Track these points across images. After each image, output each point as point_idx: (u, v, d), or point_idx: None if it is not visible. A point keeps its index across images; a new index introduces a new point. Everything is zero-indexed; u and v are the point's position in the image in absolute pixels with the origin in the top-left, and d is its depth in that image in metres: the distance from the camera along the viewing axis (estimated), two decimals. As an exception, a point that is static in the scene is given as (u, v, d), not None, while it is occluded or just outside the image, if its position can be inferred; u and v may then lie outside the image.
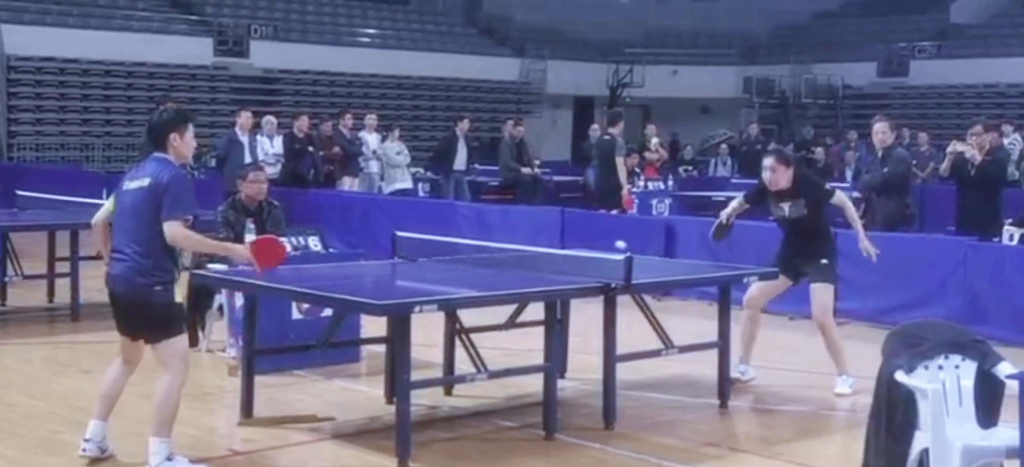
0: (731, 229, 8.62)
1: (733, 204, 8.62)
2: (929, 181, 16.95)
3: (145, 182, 6.18)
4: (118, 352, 6.45)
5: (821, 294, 8.35)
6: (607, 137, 16.08)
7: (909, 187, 12.25)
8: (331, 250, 10.10)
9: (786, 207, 8.39)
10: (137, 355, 6.43)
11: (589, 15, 35.98)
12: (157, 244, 6.11)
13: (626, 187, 15.77)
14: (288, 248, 6.88)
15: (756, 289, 8.44)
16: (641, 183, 18.32)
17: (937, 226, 14.46)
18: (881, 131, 11.45)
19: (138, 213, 6.17)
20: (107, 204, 6.54)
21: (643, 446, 6.92)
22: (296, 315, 8.62)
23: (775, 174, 8.32)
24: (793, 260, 8.38)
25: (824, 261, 8.34)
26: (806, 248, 8.35)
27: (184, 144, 6.32)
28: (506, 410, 7.72)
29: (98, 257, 6.79)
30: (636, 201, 16.46)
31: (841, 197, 8.54)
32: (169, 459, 6.18)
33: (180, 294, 6.26)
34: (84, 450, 6.34)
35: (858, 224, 8.61)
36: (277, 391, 7.90)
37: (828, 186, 8.76)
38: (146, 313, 6.18)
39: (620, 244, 8.10)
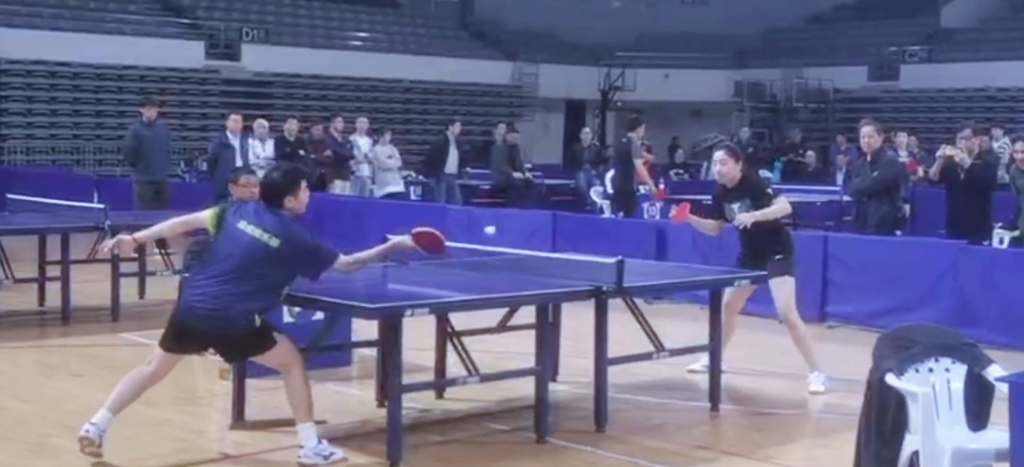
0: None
1: (708, 224, 8.78)
2: (919, 185, 16.98)
3: (274, 243, 6.35)
4: (151, 362, 6.52)
5: (780, 289, 8.46)
6: (625, 140, 16.79)
7: (900, 190, 12.27)
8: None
9: (735, 207, 8.50)
10: (168, 369, 6.58)
11: (581, 19, 36.02)
12: (263, 290, 6.35)
13: (650, 183, 16.56)
14: (444, 240, 7.04)
15: (732, 294, 8.49)
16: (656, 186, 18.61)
17: (928, 229, 14.50)
18: (868, 135, 11.47)
19: (255, 261, 6.33)
20: (207, 216, 6.64)
21: (634, 449, 6.93)
22: (287, 318, 8.60)
23: (724, 166, 8.54)
24: (750, 261, 8.44)
25: (779, 256, 8.43)
26: (760, 247, 8.42)
27: (299, 203, 6.56)
28: (498, 413, 7.73)
29: (91, 260, 6.81)
30: (666, 192, 17.21)
31: (780, 201, 8.54)
32: (319, 441, 6.47)
33: (260, 317, 6.37)
34: (87, 431, 6.36)
35: (763, 213, 8.42)
36: (268, 395, 7.87)
37: (770, 190, 8.79)
38: (234, 341, 6.43)
39: (489, 229, 8.10)
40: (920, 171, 12.60)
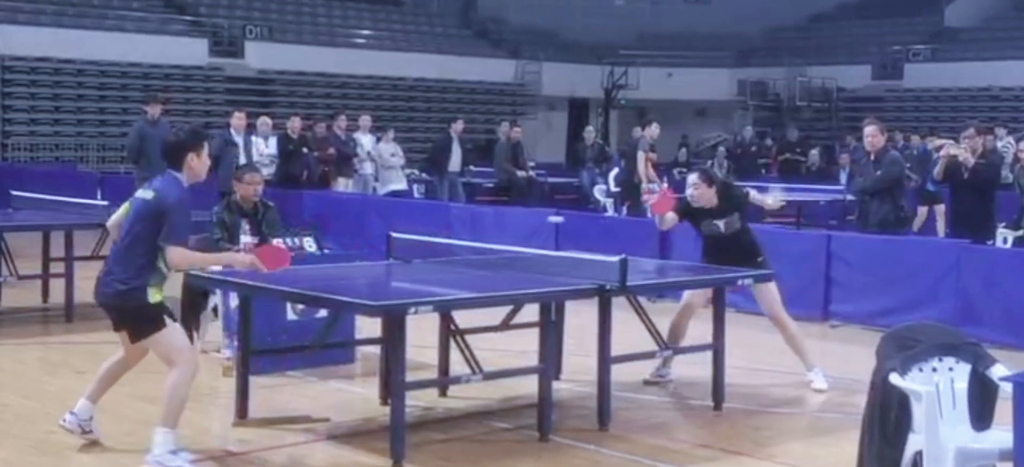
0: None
1: (668, 217, 8.66)
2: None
3: (149, 195, 6.33)
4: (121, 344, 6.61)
5: (767, 292, 8.49)
6: (636, 136, 17.94)
7: (903, 189, 12.27)
8: (326, 251, 10.10)
9: (722, 224, 8.53)
10: (136, 354, 6.57)
11: (583, 17, 36.00)
12: (146, 255, 6.25)
13: (644, 183, 16.35)
14: (290, 254, 6.99)
15: (693, 295, 8.50)
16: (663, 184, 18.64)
17: (930, 228, 14.50)
18: (871, 134, 11.47)
19: (140, 223, 6.32)
20: (122, 208, 6.66)
21: (637, 448, 6.93)
22: (291, 316, 8.62)
23: (697, 191, 8.54)
24: (714, 264, 8.44)
25: (760, 259, 8.48)
26: (740, 256, 8.41)
27: (201, 164, 6.46)
28: (501, 411, 7.73)
29: (95, 257, 6.86)
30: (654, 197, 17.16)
31: (754, 196, 8.88)
32: (173, 453, 6.26)
33: (157, 294, 6.31)
34: (64, 421, 6.49)
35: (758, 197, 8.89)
36: (272, 392, 7.90)
37: (743, 190, 8.94)
38: (129, 314, 6.35)
39: (556, 219, 8.27)
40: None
